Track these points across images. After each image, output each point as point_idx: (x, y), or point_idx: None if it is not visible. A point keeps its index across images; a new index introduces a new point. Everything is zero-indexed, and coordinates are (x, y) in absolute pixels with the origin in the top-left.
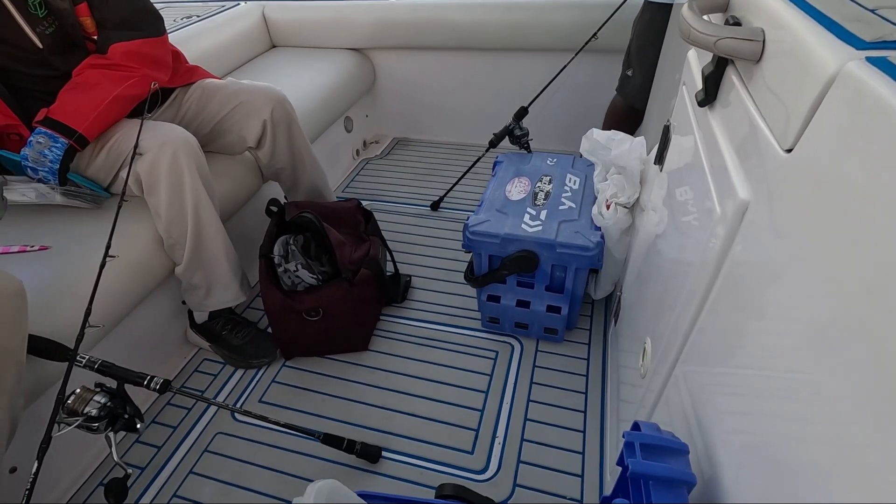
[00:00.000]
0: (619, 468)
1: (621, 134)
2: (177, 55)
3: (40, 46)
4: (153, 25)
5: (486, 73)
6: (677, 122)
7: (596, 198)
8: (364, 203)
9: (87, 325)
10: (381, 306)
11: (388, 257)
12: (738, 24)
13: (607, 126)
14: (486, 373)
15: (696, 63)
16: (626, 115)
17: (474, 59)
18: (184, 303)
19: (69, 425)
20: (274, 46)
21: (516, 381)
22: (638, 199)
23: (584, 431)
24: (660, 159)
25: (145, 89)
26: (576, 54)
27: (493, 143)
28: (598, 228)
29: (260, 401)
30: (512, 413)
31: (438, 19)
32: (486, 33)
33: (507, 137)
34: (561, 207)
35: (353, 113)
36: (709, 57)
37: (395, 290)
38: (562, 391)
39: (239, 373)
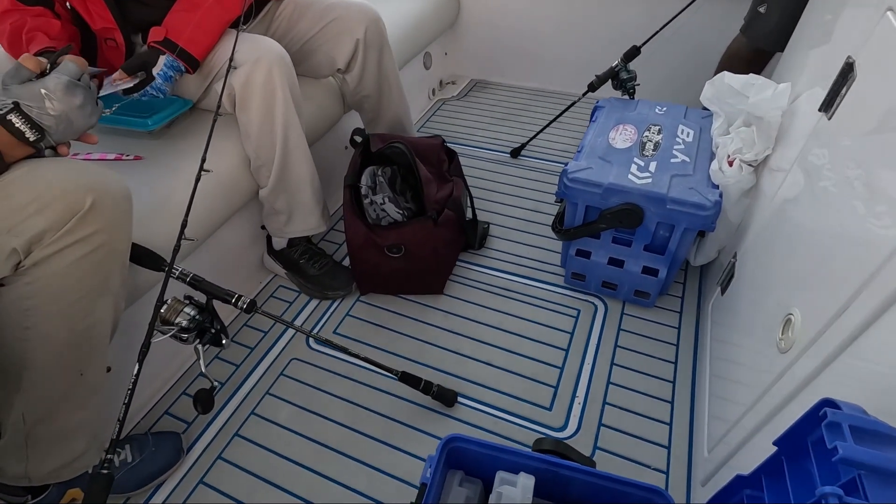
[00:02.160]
0: (772, 446)
1: (761, 79)
2: None
3: None
4: None
5: (584, 14)
6: (874, 57)
7: (713, 153)
8: None
9: (183, 237)
10: (459, 251)
11: (468, 202)
12: None
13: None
14: (566, 330)
15: None
16: (750, 60)
17: None
18: (263, 227)
19: (163, 333)
20: None
21: (599, 342)
22: (768, 157)
23: (672, 402)
24: (829, 105)
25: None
26: None
27: (594, 87)
28: (716, 187)
29: (334, 332)
30: (594, 374)
31: None
32: None
33: (609, 81)
34: (673, 160)
35: (432, 49)
36: None
37: (473, 236)
38: (649, 358)
39: (313, 303)
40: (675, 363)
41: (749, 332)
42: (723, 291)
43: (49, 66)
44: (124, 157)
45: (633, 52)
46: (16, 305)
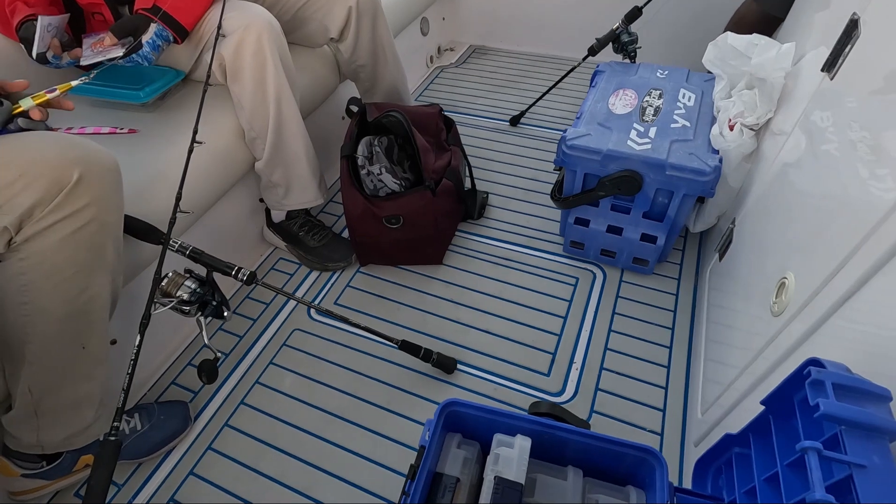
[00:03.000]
0: (762, 406)
1: (765, 38)
2: None
3: None
4: None
5: None
6: (878, 13)
7: (715, 117)
8: None
9: (179, 209)
10: (458, 221)
11: (467, 171)
12: None
13: None
14: (564, 298)
15: None
16: (758, 25)
17: None
18: (261, 200)
19: (164, 305)
20: None
21: (597, 309)
22: (769, 120)
23: (668, 367)
24: (832, 65)
25: None
26: None
27: (594, 51)
28: (717, 152)
29: (335, 303)
30: (591, 340)
31: None
32: None
33: (610, 44)
34: (673, 125)
35: (430, 14)
36: None
37: (472, 205)
38: (646, 324)
39: (314, 275)
40: (672, 329)
41: (745, 297)
42: (721, 257)
43: None
44: (118, 131)
45: (635, 13)
46: (12, 282)
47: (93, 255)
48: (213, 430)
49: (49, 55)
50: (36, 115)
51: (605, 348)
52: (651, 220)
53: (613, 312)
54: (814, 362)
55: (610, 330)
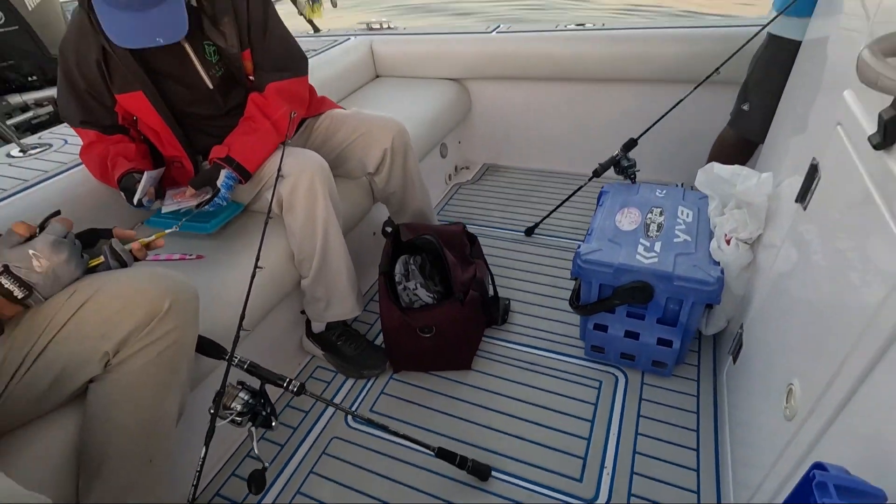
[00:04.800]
0: None
1: (746, 169)
2: (310, 89)
3: (210, 87)
4: (300, 66)
5: (583, 102)
6: (829, 162)
7: (712, 232)
8: None
9: (241, 329)
10: (484, 327)
11: (490, 280)
12: None
13: (714, 157)
14: (590, 401)
15: (856, 104)
16: (738, 148)
17: (572, 88)
18: (303, 312)
19: (223, 419)
20: (378, 76)
21: (622, 412)
22: (760, 235)
23: (697, 470)
24: (803, 197)
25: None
26: (694, 89)
27: (598, 173)
28: (717, 263)
29: (371, 410)
30: (620, 445)
31: (537, 51)
32: (586, 64)
33: (612, 168)
34: (676, 240)
35: (448, 140)
36: (882, 99)
37: (496, 312)
38: (672, 427)
39: (349, 382)
40: (697, 431)
41: (761, 400)
42: (734, 360)
43: (38, 228)
44: (188, 257)
45: (631, 144)
46: (102, 399)
47: (170, 374)
48: None
49: (144, 200)
50: (140, 254)
51: (634, 452)
52: (665, 325)
53: (638, 415)
54: (818, 466)
55: (637, 433)
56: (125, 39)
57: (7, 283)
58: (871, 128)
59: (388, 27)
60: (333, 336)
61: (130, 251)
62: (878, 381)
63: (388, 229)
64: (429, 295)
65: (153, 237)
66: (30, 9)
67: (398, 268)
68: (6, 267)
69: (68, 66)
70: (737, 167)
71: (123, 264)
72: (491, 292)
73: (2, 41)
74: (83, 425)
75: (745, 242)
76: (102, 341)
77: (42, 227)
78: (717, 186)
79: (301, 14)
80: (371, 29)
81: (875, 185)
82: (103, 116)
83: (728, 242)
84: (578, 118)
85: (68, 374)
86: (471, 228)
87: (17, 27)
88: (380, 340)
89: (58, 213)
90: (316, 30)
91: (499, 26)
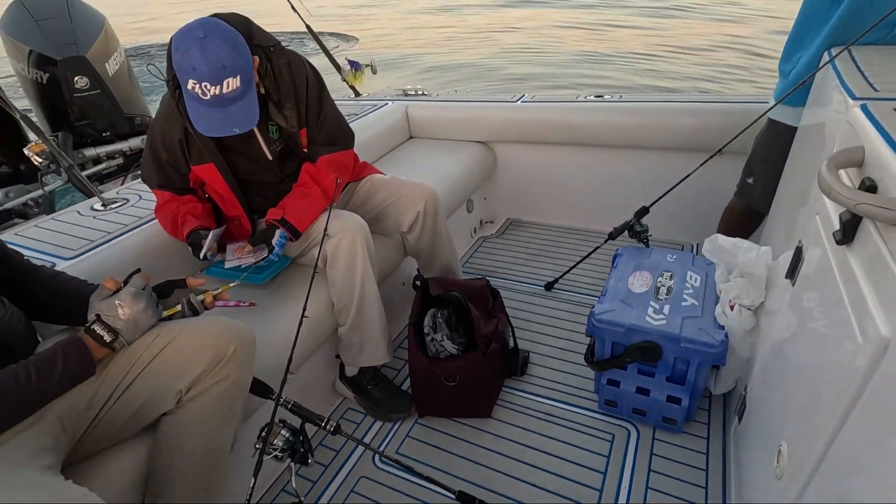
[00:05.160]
0: None
1: (746, 242)
2: (354, 157)
3: (270, 159)
4: (347, 141)
5: (601, 165)
6: (810, 246)
7: (718, 297)
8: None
9: (289, 372)
10: (504, 378)
11: (510, 332)
12: (874, 186)
13: (724, 225)
14: (603, 454)
15: (828, 199)
16: (745, 217)
17: (590, 153)
18: (337, 357)
19: (268, 454)
20: (412, 137)
21: (634, 466)
22: (762, 302)
23: None
24: (791, 274)
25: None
26: (700, 165)
27: (613, 236)
28: (722, 327)
29: (397, 452)
30: (631, 497)
31: (559, 119)
32: (603, 132)
33: (626, 231)
34: (684, 303)
35: (474, 195)
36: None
37: (516, 363)
38: (681, 483)
39: (378, 424)
40: (706, 488)
41: (758, 459)
42: (739, 420)
43: (123, 283)
44: (242, 304)
45: (644, 211)
46: (172, 430)
47: (228, 411)
48: None
49: (208, 255)
50: (210, 304)
51: None
52: (674, 383)
53: (649, 469)
54: None
55: (647, 487)
56: (207, 129)
57: (99, 330)
58: (838, 223)
59: (423, 93)
60: (365, 380)
61: (203, 302)
62: (846, 442)
63: (418, 283)
64: (454, 346)
65: (220, 290)
66: (110, 75)
67: (427, 320)
68: (98, 316)
69: (155, 142)
70: (738, 240)
71: (196, 313)
72: (511, 344)
73: (86, 103)
74: (152, 453)
75: (748, 308)
76: (178, 379)
77: (126, 281)
78: (721, 255)
79: (344, 80)
80: (406, 94)
81: (840, 273)
82: (178, 181)
83: (732, 308)
84: (596, 179)
85: (147, 407)
86: (493, 281)
87: (98, 91)
88: (406, 385)
89: (138, 270)
90: (357, 94)
91: (524, 95)
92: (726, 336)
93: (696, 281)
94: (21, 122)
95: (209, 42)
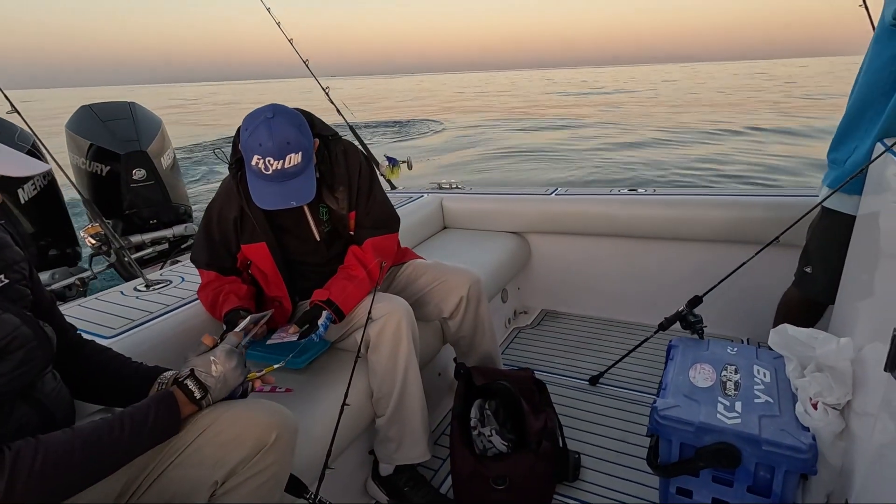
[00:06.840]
0: None
1: (823, 333)
2: (396, 241)
3: (318, 239)
4: (393, 225)
5: (639, 256)
6: None
7: (795, 395)
8: None
9: (327, 467)
10: (555, 483)
11: (559, 431)
12: None
13: (781, 317)
14: None
15: None
16: (805, 307)
17: (627, 244)
18: (371, 453)
19: None
20: (446, 227)
21: None
22: (849, 401)
23: None
24: (892, 366)
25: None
26: (756, 254)
27: (664, 327)
28: (807, 429)
29: None
30: None
31: (595, 211)
32: (640, 223)
33: (678, 322)
34: (756, 400)
35: (508, 285)
36: None
37: (566, 465)
38: None
39: None
40: None
41: None
42: None
43: (219, 340)
44: (278, 390)
45: (696, 301)
46: None
47: None
48: None
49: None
50: (258, 386)
51: None
52: (757, 495)
53: None
54: None
55: None
56: (267, 203)
57: (191, 385)
58: None
59: (457, 187)
60: (401, 481)
61: (252, 383)
62: None
63: (461, 371)
64: (503, 443)
65: (264, 372)
66: (164, 167)
67: (473, 412)
68: (192, 371)
69: (211, 222)
70: (812, 330)
71: (244, 394)
72: (561, 443)
73: (140, 193)
74: None
75: (834, 408)
76: (215, 469)
77: (221, 338)
78: (793, 348)
79: (381, 175)
80: (441, 188)
81: None
82: (226, 260)
83: (815, 407)
84: (634, 271)
85: (178, 500)
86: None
87: (153, 182)
88: (446, 487)
89: (233, 327)
90: (393, 187)
91: (557, 189)
92: (814, 439)
93: (765, 376)
94: (85, 206)
95: (276, 121)
